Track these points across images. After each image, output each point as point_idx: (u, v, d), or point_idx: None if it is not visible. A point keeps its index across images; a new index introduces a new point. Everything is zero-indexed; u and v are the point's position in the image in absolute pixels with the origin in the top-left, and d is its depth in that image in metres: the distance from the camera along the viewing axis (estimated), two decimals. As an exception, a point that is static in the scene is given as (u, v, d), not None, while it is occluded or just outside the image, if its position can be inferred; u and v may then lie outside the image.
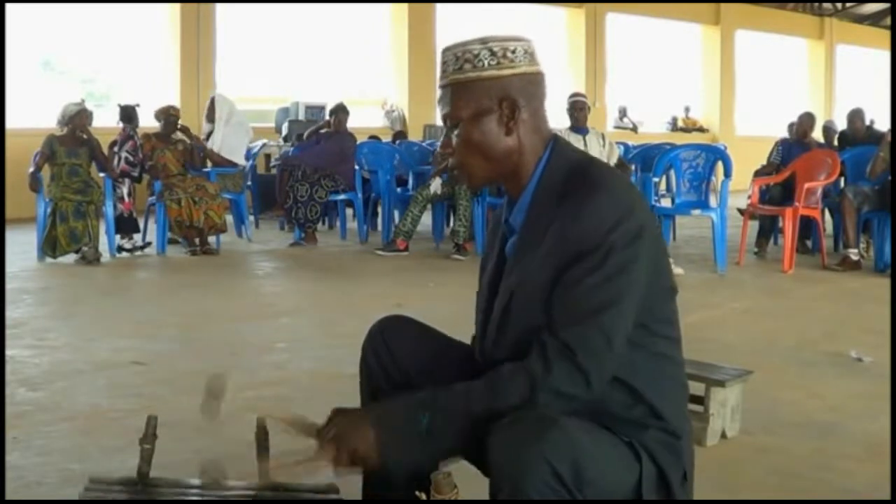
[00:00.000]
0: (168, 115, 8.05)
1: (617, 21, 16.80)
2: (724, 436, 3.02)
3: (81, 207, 7.07)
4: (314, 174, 8.39)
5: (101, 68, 14.19)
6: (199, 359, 4.14)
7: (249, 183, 9.56)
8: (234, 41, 13.21)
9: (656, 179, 7.44)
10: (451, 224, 8.31)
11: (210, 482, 1.76)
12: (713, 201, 7.59)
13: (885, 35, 18.83)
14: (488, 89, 1.70)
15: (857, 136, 9.02)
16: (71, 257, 7.09)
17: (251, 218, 9.59)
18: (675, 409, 1.73)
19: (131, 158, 7.84)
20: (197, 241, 7.63)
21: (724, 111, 18.23)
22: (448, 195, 7.86)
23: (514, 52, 1.71)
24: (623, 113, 17.10)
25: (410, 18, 14.20)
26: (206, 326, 4.94)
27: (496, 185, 1.86)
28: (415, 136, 12.28)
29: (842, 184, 7.85)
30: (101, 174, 7.50)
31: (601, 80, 16.51)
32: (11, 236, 7.91)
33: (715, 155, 7.61)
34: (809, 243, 8.00)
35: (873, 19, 20.35)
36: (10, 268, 6.63)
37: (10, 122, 8.52)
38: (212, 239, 7.78)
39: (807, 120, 8.59)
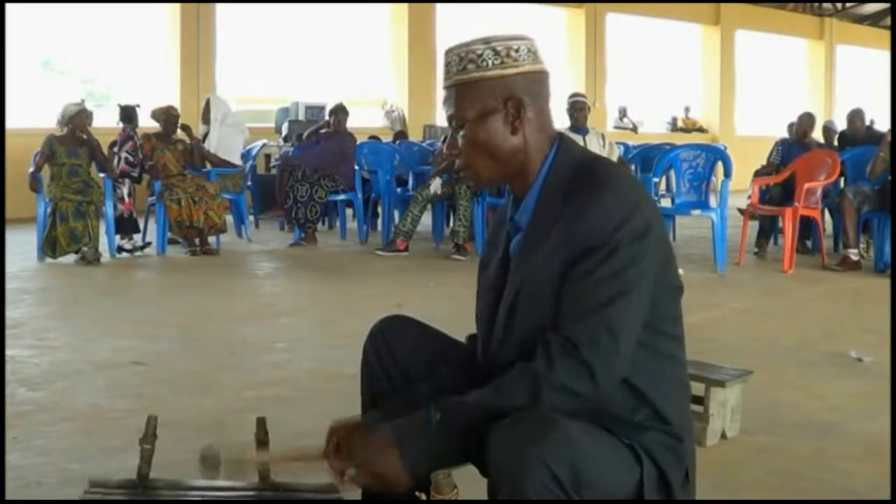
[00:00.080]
0: (169, 116, 8.05)
1: (617, 21, 16.81)
2: (724, 436, 3.02)
3: (81, 208, 7.07)
4: (314, 174, 8.39)
5: (101, 68, 14.21)
6: (199, 359, 4.14)
7: (249, 183, 9.56)
8: (234, 41, 13.22)
9: (656, 179, 7.44)
10: (451, 224, 8.31)
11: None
12: (713, 201, 7.59)
13: (885, 35, 18.84)
14: (493, 89, 1.70)
15: (857, 136, 9.02)
16: (71, 257, 7.09)
17: (251, 218, 9.59)
18: (678, 411, 1.73)
19: (131, 159, 7.84)
20: (197, 241, 7.63)
21: (724, 111, 18.23)
22: (448, 195, 7.86)
23: (517, 51, 1.70)
24: (623, 113, 17.10)
25: (410, 18, 14.20)
26: (206, 326, 4.94)
27: (502, 184, 1.85)
28: (415, 136, 12.28)
29: (842, 184, 7.85)
30: (101, 174, 7.50)
31: (601, 80, 16.51)
32: (11, 236, 7.91)
33: (715, 155, 7.61)
34: (809, 243, 8.00)
35: (873, 19, 20.35)
36: (10, 268, 6.63)
37: (10, 122, 8.52)
38: (212, 239, 7.78)
39: (807, 120, 8.59)
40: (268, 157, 11.23)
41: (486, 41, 1.71)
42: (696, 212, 7.39)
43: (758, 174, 8.29)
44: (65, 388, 3.64)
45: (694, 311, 4.88)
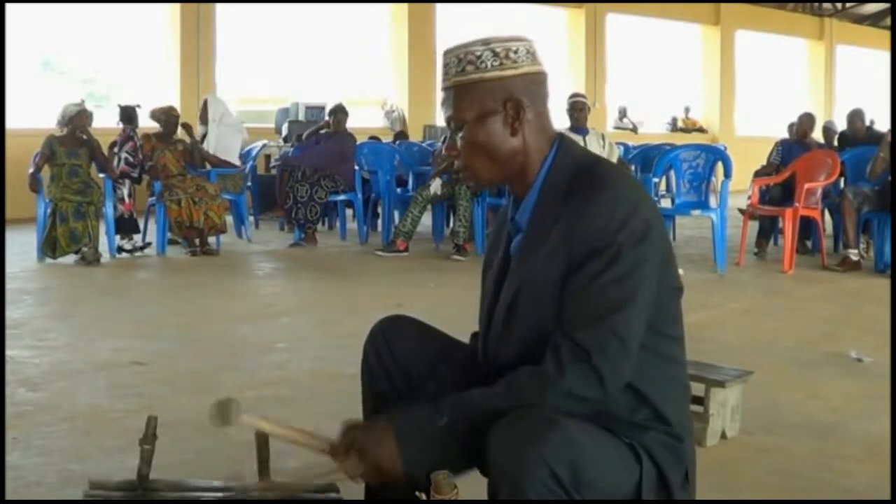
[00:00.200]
0: (170, 116, 8.05)
1: (617, 21, 16.81)
2: (724, 436, 3.02)
3: (81, 208, 7.06)
4: (314, 175, 8.39)
5: (101, 68, 14.20)
6: (199, 359, 4.14)
7: (249, 183, 9.56)
8: (234, 41, 13.22)
9: (656, 180, 7.44)
10: (451, 225, 8.31)
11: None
12: (713, 202, 7.59)
13: (885, 35, 18.84)
14: (492, 90, 1.70)
15: (857, 136, 9.02)
16: (71, 258, 7.09)
17: (251, 218, 9.59)
18: (678, 411, 1.73)
19: (131, 159, 7.84)
20: (197, 241, 7.63)
21: (724, 111, 18.23)
22: (448, 196, 7.86)
23: (516, 52, 1.70)
24: (623, 113, 17.10)
25: (410, 18, 14.19)
26: (206, 326, 4.94)
27: (502, 185, 1.85)
28: (415, 136, 12.28)
29: (842, 184, 7.85)
30: (101, 175, 7.50)
31: (601, 81, 16.51)
32: (11, 236, 7.91)
33: (715, 155, 7.61)
34: (809, 244, 8.00)
35: (873, 19, 20.35)
36: (10, 268, 6.63)
37: (10, 123, 8.52)
38: (212, 239, 7.78)
39: (807, 120, 8.59)
40: (268, 157, 11.23)
41: (484, 42, 1.71)
42: (696, 212, 7.39)
43: (758, 174, 8.29)
44: (65, 388, 3.64)
45: (694, 311, 4.88)
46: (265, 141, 10.38)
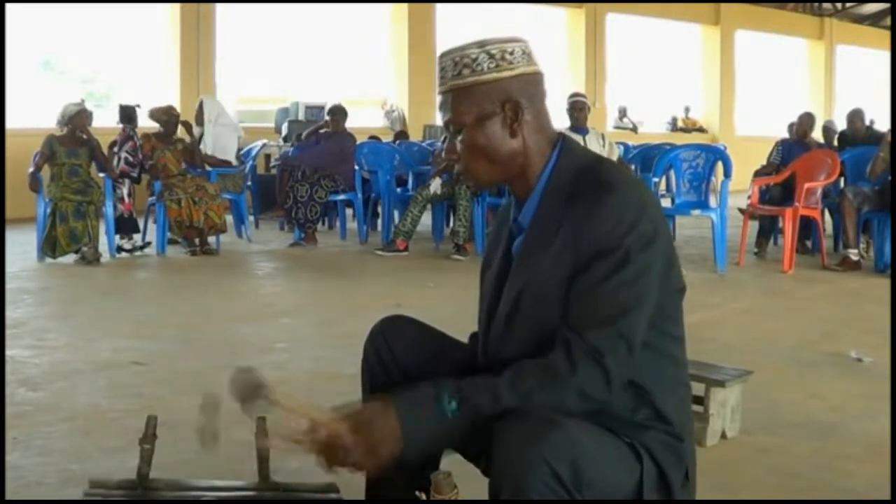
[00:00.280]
0: (171, 116, 8.05)
1: (617, 21, 16.80)
2: (724, 436, 3.02)
3: (81, 208, 7.07)
4: (314, 174, 8.39)
5: (101, 68, 14.20)
6: (199, 359, 4.14)
7: (249, 183, 9.56)
8: (234, 41, 13.22)
9: (656, 179, 7.44)
10: (451, 224, 8.31)
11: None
12: (713, 201, 7.59)
13: (885, 35, 18.84)
14: (489, 93, 1.69)
15: (857, 136, 9.02)
16: (71, 257, 7.09)
17: (251, 218, 9.59)
18: (679, 411, 1.73)
19: (131, 159, 7.84)
20: (197, 241, 7.63)
21: (724, 111, 18.23)
22: (448, 195, 7.86)
23: (512, 53, 1.70)
24: (623, 113, 17.10)
25: (410, 18, 14.19)
26: (206, 326, 4.94)
27: (502, 186, 1.85)
28: (415, 136, 12.28)
29: (842, 184, 7.85)
30: (101, 174, 7.50)
31: (601, 80, 16.50)
32: (11, 236, 7.91)
33: (715, 155, 7.61)
34: (809, 243, 8.00)
35: (873, 19, 20.35)
36: (10, 268, 6.63)
37: (10, 122, 8.53)
38: (212, 239, 7.78)
39: (807, 120, 8.59)
40: (268, 157, 11.23)
41: (480, 45, 1.70)
42: (696, 212, 7.39)
43: (758, 174, 8.29)
44: (65, 388, 3.64)
45: (694, 311, 4.88)
46: (265, 140, 10.38)
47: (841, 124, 10.09)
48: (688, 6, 17.20)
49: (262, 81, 14.64)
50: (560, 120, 7.54)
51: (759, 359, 3.96)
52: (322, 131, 8.96)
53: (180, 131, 8.30)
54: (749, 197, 7.86)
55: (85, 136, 7.35)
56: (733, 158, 7.32)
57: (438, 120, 10.69)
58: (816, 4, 19.64)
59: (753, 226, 7.89)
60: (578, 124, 7.45)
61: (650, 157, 8.85)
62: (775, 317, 5.40)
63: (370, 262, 7.44)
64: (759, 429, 3.14)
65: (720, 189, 7.24)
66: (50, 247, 7.06)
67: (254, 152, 9.55)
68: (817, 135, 9.31)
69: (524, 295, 1.69)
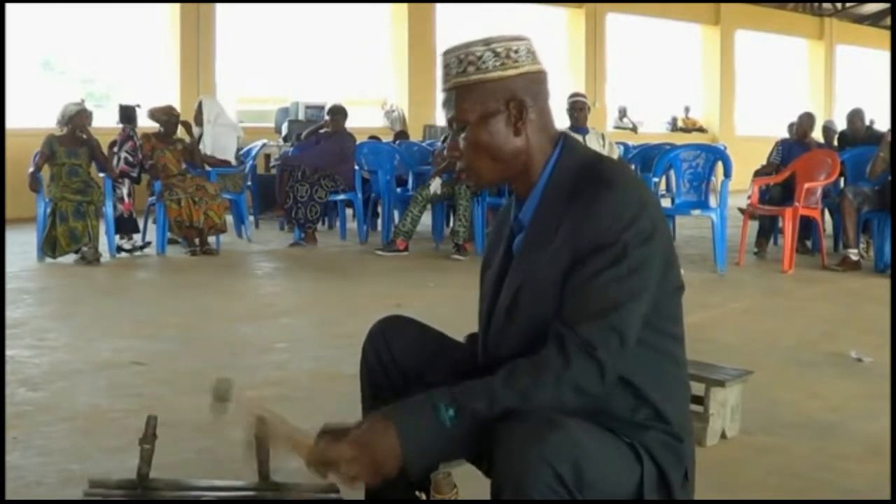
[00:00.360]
0: (171, 116, 8.05)
1: (617, 21, 16.80)
2: (723, 436, 3.02)
3: (81, 207, 7.07)
4: (314, 174, 8.39)
5: (101, 68, 14.20)
6: (199, 359, 4.14)
7: (249, 183, 9.56)
8: (234, 41, 13.22)
9: (656, 179, 7.44)
10: (451, 224, 8.31)
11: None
12: (713, 201, 7.59)
13: (885, 35, 18.83)
14: (494, 91, 1.69)
15: (856, 136, 9.02)
16: (71, 257, 7.09)
17: (251, 218, 9.59)
18: (679, 411, 1.73)
19: (130, 159, 7.84)
20: (197, 241, 7.63)
21: (724, 111, 18.23)
22: (448, 195, 7.86)
23: (517, 51, 1.70)
24: (623, 113, 17.10)
25: (410, 18, 14.20)
26: (206, 326, 4.94)
27: (504, 185, 1.84)
28: (415, 136, 12.28)
29: (842, 184, 7.85)
30: (101, 174, 7.50)
31: (601, 80, 16.51)
32: (11, 236, 7.91)
33: (715, 155, 7.61)
34: (809, 243, 8.00)
35: (873, 19, 20.35)
36: (10, 268, 6.63)
37: (10, 122, 8.53)
38: (212, 239, 7.78)
39: (807, 120, 8.59)
40: (268, 157, 11.23)
41: (485, 42, 1.70)
42: (696, 212, 7.39)
43: (758, 174, 8.29)
44: (65, 388, 3.64)
45: (694, 311, 4.88)
46: (265, 140, 10.38)
47: (841, 124, 10.09)
48: (688, 6, 17.20)
49: (262, 81, 14.64)
50: (560, 120, 7.51)
51: (758, 359, 3.96)
52: (322, 131, 8.96)
53: (180, 131, 8.30)
54: (749, 197, 7.85)
55: (85, 136, 7.35)
56: (733, 158, 7.32)
57: (438, 120, 10.67)
58: (816, 4, 19.64)
59: (753, 226, 7.89)
60: (578, 124, 7.46)
61: (650, 157, 8.84)
62: (775, 317, 5.40)
63: (370, 262, 7.44)
64: (758, 429, 3.14)
65: (720, 189, 7.23)
66: (50, 247, 7.06)
67: (254, 152, 9.55)
68: (817, 135, 9.31)
69: (523, 291, 1.69)
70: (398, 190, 8.83)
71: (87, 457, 2.82)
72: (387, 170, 8.79)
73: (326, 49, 14.84)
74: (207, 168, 8.36)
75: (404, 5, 14.20)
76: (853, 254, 7.03)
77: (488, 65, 1.69)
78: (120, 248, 7.59)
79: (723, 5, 17.95)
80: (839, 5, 19.87)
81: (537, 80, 1.73)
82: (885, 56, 17.95)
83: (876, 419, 3.25)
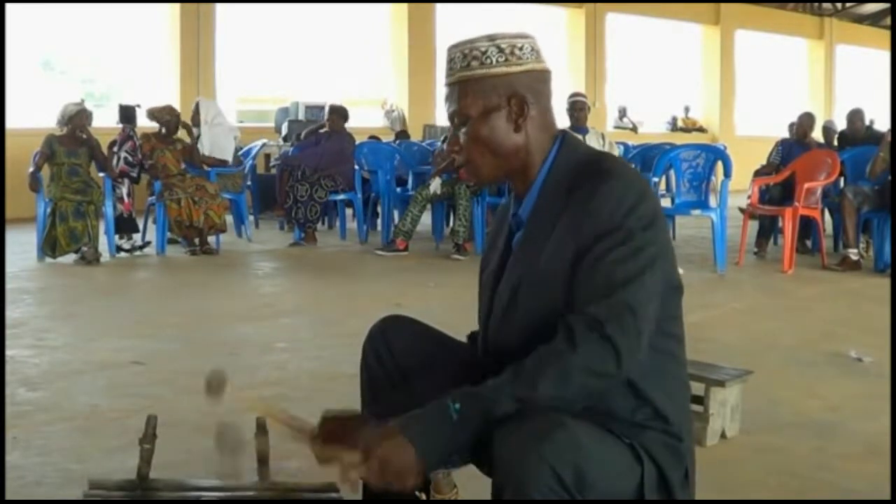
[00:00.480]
0: (173, 115, 8.05)
1: (617, 21, 16.81)
2: (723, 436, 3.02)
3: (81, 207, 7.07)
4: (314, 174, 8.40)
5: (101, 68, 14.20)
6: (199, 359, 4.13)
7: (249, 183, 9.56)
8: (234, 41, 13.21)
9: (656, 179, 7.44)
10: (451, 224, 8.31)
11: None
12: (713, 201, 7.59)
13: (885, 35, 18.84)
14: (497, 86, 1.70)
15: (856, 136, 9.02)
16: (71, 257, 7.09)
17: (251, 218, 9.59)
18: (679, 411, 1.73)
19: (130, 159, 7.84)
20: (196, 241, 7.63)
21: (724, 111, 18.23)
22: (448, 195, 7.86)
23: (521, 49, 1.71)
24: (623, 113, 17.10)
25: (410, 18, 14.20)
26: (206, 326, 4.93)
27: (504, 182, 1.84)
28: (414, 135, 12.29)
29: (842, 184, 7.85)
30: (101, 174, 7.50)
31: (601, 80, 16.51)
32: (11, 236, 7.91)
33: (715, 155, 7.61)
34: (809, 243, 8.00)
35: (873, 19, 20.36)
36: (10, 268, 6.63)
37: (10, 122, 8.53)
38: (211, 239, 7.78)
39: (807, 120, 8.59)
40: (268, 156, 11.24)
41: (490, 38, 1.71)
42: (696, 212, 7.39)
43: (758, 174, 8.29)
44: (65, 388, 3.64)
45: (694, 311, 4.89)
46: (265, 140, 10.38)
47: (841, 124, 10.09)
48: (688, 6, 17.20)
49: (262, 81, 14.63)
50: (560, 120, 7.52)
51: (758, 359, 3.96)
52: (322, 131, 8.96)
53: (181, 132, 8.30)
54: (749, 197, 7.86)
55: (85, 136, 7.35)
56: (733, 158, 7.32)
57: (438, 120, 10.67)
58: (816, 4, 19.65)
59: (753, 226, 7.90)
60: (578, 124, 7.46)
61: (650, 157, 8.84)
62: (775, 317, 5.40)
63: (370, 262, 7.44)
64: (758, 428, 3.14)
65: (720, 189, 7.24)
66: (50, 247, 7.06)
67: (254, 152, 9.56)
68: (817, 135, 9.31)
69: (523, 285, 1.69)
70: (398, 190, 8.83)
71: (87, 457, 2.82)
72: (387, 170, 8.79)
73: (326, 49, 14.83)
74: (206, 168, 8.36)
75: (404, 5, 14.20)
76: (853, 254, 7.03)
77: (492, 60, 1.69)
78: (119, 248, 7.59)
79: (723, 5, 17.96)
80: (839, 5, 19.88)
81: (540, 79, 1.74)
82: (885, 56, 17.95)
83: (876, 419, 3.25)
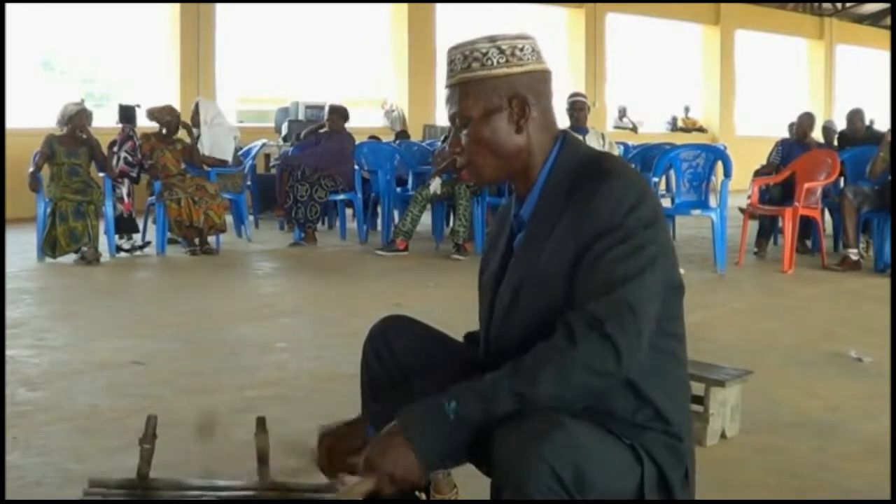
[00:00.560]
0: (174, 115, 8.06)
1: (617, 21, 16.81)
2: (723, 436, 3.02)
3: (81, 207, 7.07)
4: (314, 174, 8.40)
5: (101, 68, 14.20)
6: (199, 358, 4.14)
7: (249, 183, 9.56)
8: (234, 41, 13.22)
9: (656, 179, 7.44)
10: (451, 224, 8.31)
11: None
12: (713, 201, 7.59)
13: (885, 35, 18.84)
14: (498, 88, 1.70)
15: (856, 136, 9.02)
16: (71, 257, 7.09)
17: (251, 218, 9.59)
18: (679, 411, 1.72)
19: (130, 159, 7.84)
20: (196, 241, 7.63)
21: (724, 111, 18.23)
22: (448, 195, 7.86)
23: (522, 50, 1.71)
24: (623, 113, 17.10)
25: (410, 18, 14.20)
26: (206, 326, 4.93)
27: (505, 183, 1.84)
28: (415, 136, 12.29)
29: (842, 184, 7.85)
30: (101, 174, 7.50)
31: (601, 80, 16.51)
32: (11, 236, 7.91)
33: (715, 155, 7.61)
34: (809, 243, 8.00)
35: (873, 19, 20.36)
36: (10, 268, 6.63)
37: (10, 122, 8.53)
38: (211, 239, 7.78)
39: (807, 120, 8.59)
40: (268, 156, 11.23)
41: (490, 40, 1.71)
42: (696, 212, 7.39)
43: (758, 174, 8.30)
44: (65, 388, 3.64)
45: (694, 311, 4.87)
46: (265, 140, 10.38)
47: (841, 124, 10.09)
48: (688, 6, 17.20)
49: (262, 81, 14.63)
50: (560, 120, 7.52)
51: (758, 359, 3.96)
52: (322, 131, 8.96)
53: (181, 132, 8.30)
54: (749, 197, 7.86)
55: (85, 136, 7.35)
56: (733, 158, 7.32)
57: (438, 120, 10.67)
58: (816, 4, 19.65)
59: (753, 226, 7.90)
60: (578, 124, 7.47)
61: (650, 157, 8.84)
62: (775, 317, 5.40)
63: (370, 262, 7.44)
64: (758, 428, 3.14)
65: (720, 189, 7.24)
66: (50, 247, 7.07)
67: (253, 152, 9.56)
68: (817, 135, 9.31)
69: (524, 285, 1.69)
70: (398, 190, 8.83)
71: (87, 457, 2.81)
72: (387, 170, 8.79)
73: (326, 49, 14.83)
74: (206, 168, 8.36)
75: (404, 5, 14.20)
76: (853, 254, 7.03)
77: (493, 61, 1.69)
78: (119, 248, 7.59)
79: (723, 5, 17.96)
80: (839, 5, 19.88)
81: (541, 79, 1.74)
82: (885, 56, 17.95)
83: (876, 419, 3.25)
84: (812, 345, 4.54)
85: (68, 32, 13.13)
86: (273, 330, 4.86)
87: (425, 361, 1.87)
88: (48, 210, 7.11)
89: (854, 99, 14.47)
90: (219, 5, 12.36)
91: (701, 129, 17.90)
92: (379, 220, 9.38)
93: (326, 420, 1.87)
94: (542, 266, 1.66)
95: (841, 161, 7.47)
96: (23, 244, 7.71)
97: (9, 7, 8.44)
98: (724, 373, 3.09)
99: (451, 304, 4.81)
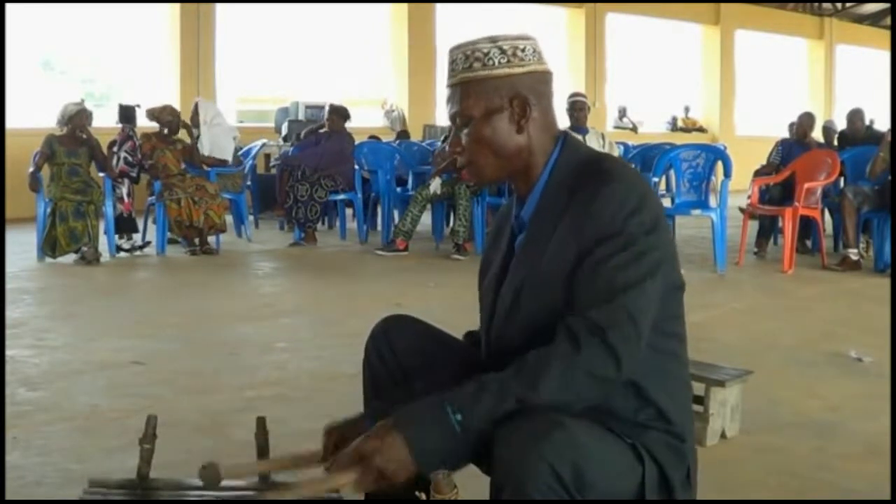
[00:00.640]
0: (175, 115, 8.06)
1: (617, 21, 16.81)
2: (723, 436, 3.02)
3: (81, 207, 7.07)
4: (314, 174, 8.40)
5: (101, 68, 14.20)
6: (199, 358, 4.14)
7: (249, 183, 9.56)
8: (234, 41, 13.22)
9: (656, 179, 7.43)
10: (451, 224, 8.31)
11: (209, 483, 1.75)
12: (713, 201, 7.59)
13: (885, 35, 18.84)
14: (499, 88, 1.70)
15: (856, 136, 9.02)
16: (71, 257, 7.09)
17: (251, 218, 9.59)
18: (681, 411, 1.73)
19: (130, 159, 7.84)
20: (196, 241, 7.63)
21: (724, 111, 18.23)
22: (448, 195, 7.86)
23: (523, 50, 1.71)
24: (623, 113, 17.11)
25: (410, 18, 14.20)
26: (206, 326, 4.93)
27: (505, 183, 1.85)
28: (415, 136, 12.29)
29: (842, 184, 7.85)
30: (101, 174, 7.50)
31: (601, 80, 16.51)
32: (11, 236, 7.91)
33: (715, 155, 7.61)
34: (809, 243, 8.00)
35: (873, 19, 20.36)
36: (10, 268, 6.63)
37: (10, 122, 8.53)
38: (211, 239, 7.79)
39: (807, 120, 8.59)
40: (268, 156, 11.23)
41: (492, 40, 1.71)
42: (696, 212, 7.39)
43: (758, 174, 8.30)
44: (65, 388, 3.64)
45: (694, 311, 4.86)
46: (265, 140, 10.38)
47: (841, 124, 10.09)
48: (688, 6, 17.21)
49: (262, 81, 14.64)
50: (560, 120, 7.52)
51: (758, 359, 3.96)
52: (322, 131, 8.96)
53: (181, 132, 8.30)
54: (749, 197, 7.86)
55: (85, 136, 7.35)
56: (733, 158, 7.32)
57: (438, 120, 10.67)
58: (816, 4, 19.65)
59: (753, 226, 7.90)
60: (578, 124, 7.47)
61: (650, 157, 8.84)
62: (775, 317, 5.40)
63: (370, 262, 7.44)
64: (758, 428, 3.14)
65: (720, 189, 7.24)
66: (50, 247, 7.07)
67: (253, 152, 9.56)
68: (817, 135, 9.31)
69: (525, 286, 1.69)
70: (398, 190, 8.83)
71: (87, 457, 2.81)
72: (387, 169, 8.79)
73: (326, 49, 14.84)
74: (206, 168, 8.36)
75: (404, 5, 14.20)
76: (853, 254, 7.03)
77: (494, 62, 1.70)
78: (119, 248, 7.59)
79: (723, 5, 17.96)
80: (839, 5, 19.88)
81: (542, 80, 1.74)
82: (885, 56, 17.95)
83: (876, 419, 3.25)
84: (812, 345, 4.54)
85: (68, 32, 13.13)
86: (273, 330, 4.86)
87: (427, 361, 1.87)
88: (48, 210, 7.11)
89: (854, 99, 14.47)
90: (219, 5, 12.36)
91: (701, 129, 17.90)
92: (379, 220, 9.38)
93: (327, 420, 1.87)
94: (544, 268, 1.66)
95: (841, 161, 7.47)
96: (23, 244, 7.71)
97: (9, 7, 8.44)
98: (724, 373, 3.09)
99: (451, 304, 4.81)
